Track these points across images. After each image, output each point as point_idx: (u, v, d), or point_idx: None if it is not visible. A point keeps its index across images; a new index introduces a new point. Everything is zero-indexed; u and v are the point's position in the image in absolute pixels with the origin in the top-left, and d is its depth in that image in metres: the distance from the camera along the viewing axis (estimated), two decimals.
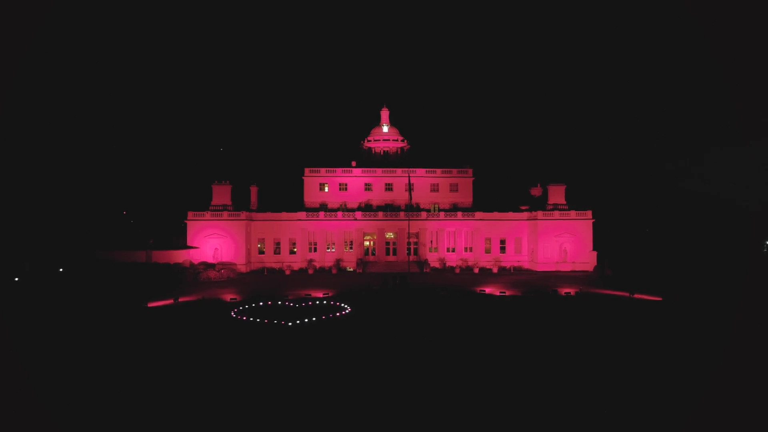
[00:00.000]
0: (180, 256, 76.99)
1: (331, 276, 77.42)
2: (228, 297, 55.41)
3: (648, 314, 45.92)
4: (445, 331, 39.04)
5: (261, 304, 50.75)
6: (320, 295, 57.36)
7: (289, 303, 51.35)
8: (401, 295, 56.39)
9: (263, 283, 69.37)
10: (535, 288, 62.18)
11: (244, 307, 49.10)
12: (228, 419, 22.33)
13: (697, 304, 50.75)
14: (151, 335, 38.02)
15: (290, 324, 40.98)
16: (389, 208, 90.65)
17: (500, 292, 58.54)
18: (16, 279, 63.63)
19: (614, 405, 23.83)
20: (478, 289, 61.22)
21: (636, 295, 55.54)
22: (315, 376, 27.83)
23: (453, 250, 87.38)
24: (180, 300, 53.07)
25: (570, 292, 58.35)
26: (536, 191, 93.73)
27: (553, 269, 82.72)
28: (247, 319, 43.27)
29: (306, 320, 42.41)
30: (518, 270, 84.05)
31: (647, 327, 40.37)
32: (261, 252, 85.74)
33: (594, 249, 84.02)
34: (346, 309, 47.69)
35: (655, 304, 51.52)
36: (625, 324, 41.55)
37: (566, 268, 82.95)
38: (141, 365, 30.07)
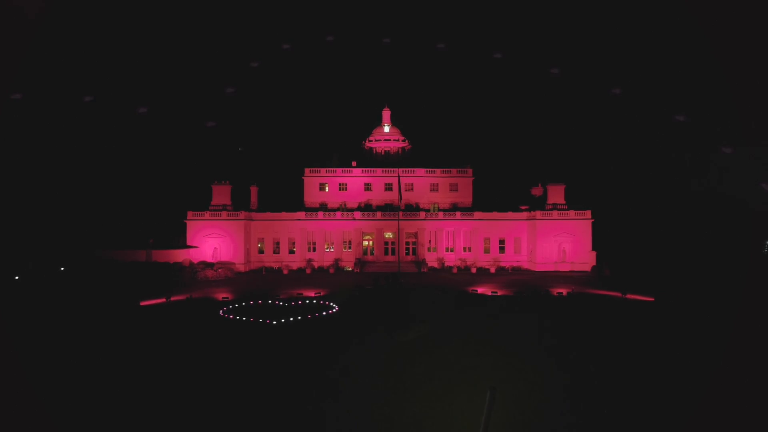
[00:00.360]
0: (179, 256, 77.81)
1: (328, 276, 77.79)
2: (221, 296, 55.95)
3: (637, 315, 45.69)
4: (425, 329, 39.14)
5: (251, 303, 51.21)
6: (312, 294, 57.73)
7: (279, 302, 51.78)
8: (391, 295, 56.48)
9: (259, 282, 69.89)
10: (529, 288, 62.02)
11: (233, 306, 49.60)
12: (186, 413, 22.70)
13: (690, 305, 50.37)
14: (136, 333, 38.59)
15: (274, 323, 41.38)
16: (389, 208, 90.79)
17: (492, 292, 58.50)
18: (17, 278, 64.66)
19: (558, 406, 23.87)
20: (471, 288, 61.22)
21: (629, 296, 55.25)
22: (285, 373, 28.16)
23: (451, 250, 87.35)
24: (172, 299, 53.66)
25: (562, 293, 58.17)
26: (537, 191, 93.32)
27: (552, 269, 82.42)
28: (234, 317, 43.75)
29: (291, 319, 42.78)
30: (517, 270, 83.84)
31: (635, 327, 40.19)
32: (260, 252, 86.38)
33: (593, 249, 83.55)
34: (334, 308, 48.04)
35: (647, 304, 51.23)
36: (613, 324, 41.40)
37: (565, 268, 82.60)
38: (120, 362, 30.61)
